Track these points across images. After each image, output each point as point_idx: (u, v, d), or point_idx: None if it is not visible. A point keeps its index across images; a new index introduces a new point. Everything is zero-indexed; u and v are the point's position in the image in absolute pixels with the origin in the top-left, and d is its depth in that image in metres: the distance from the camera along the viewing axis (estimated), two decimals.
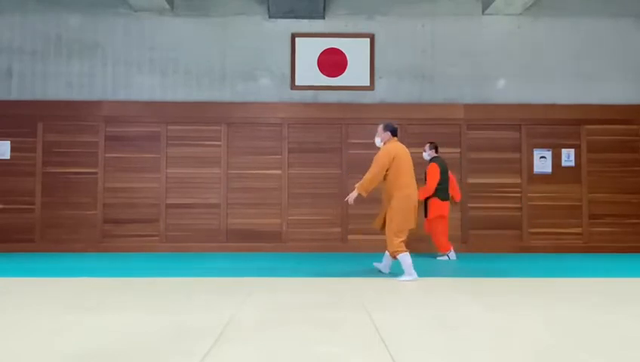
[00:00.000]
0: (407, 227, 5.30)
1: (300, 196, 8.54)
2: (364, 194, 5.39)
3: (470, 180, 8.59)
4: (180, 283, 4.99)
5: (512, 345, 2.79)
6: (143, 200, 8.51)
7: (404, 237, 5.27)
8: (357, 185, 5.40)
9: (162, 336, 2.90)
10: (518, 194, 8.64)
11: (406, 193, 5.29)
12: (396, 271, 5.45)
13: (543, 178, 8.67)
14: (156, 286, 4.90)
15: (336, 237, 8.54)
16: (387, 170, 5.32)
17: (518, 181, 8.65)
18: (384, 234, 5.44)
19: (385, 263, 5.67)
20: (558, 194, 8.63)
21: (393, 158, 5.31)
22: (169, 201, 8.52)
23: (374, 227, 5.64)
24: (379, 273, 5.73)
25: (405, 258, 5.19)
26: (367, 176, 5.36)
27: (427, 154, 7.52)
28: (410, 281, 5.11)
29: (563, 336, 2.96)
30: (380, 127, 5.59)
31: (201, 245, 8.44)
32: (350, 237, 8.53)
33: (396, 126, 5.62)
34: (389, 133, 5.52)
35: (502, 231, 8.56)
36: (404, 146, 5.49)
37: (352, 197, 5.48)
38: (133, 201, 8.50)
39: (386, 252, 5.57)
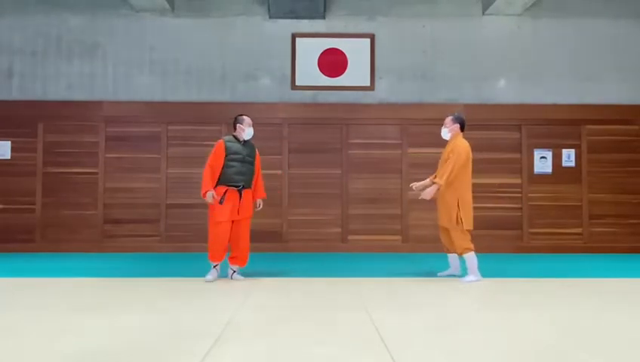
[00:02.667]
0: (472, 226, 5.25)
1: (300, 196, 8.54)
2: (443, 187, 5.16)
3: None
4: (180, 284, 4.99)
5: (512, 345, 2.79)
6: (143, 200, 8.51)
7: (470, 236, 5.24)
8: (437, 179, 5.18)
9: (162, 336, 2.90)
10: (519, 195, 8.64)
11: (470, 192, 5.25)
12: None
13: (543, 178, 8.66)
14: (156, 286, 4.90)
15: (337, 237, 8.54)
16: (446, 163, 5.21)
17: (519, 181, 8.65)
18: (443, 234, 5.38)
19: (454, 265, 5.49)
20: (559, 194, 8.63)
21: (468, 157, 5.23)
22: (169, 201, 8.53)
23: (442, 225, 5.35)
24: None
25: (473, 257, 5.16)
26: (451, 169, 5.11)
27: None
28: (475, 281, 5.09)
29: (563, 336, 2.97)
30: (450, 119, 5.39)
31: (202, 245, 8.38)
32: (350, 237, 8.53)
33: (465, 119, 5.43)
34: (458, 126, 5.36)
35: (502, 231, 8.56)
36: None
37: (430, 193, 5.21)
38: (134, 201, 8.51)
39: (450, 254, 5.48)
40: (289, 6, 8.41)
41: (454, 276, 5.45)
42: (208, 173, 5.19)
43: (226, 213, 5.13)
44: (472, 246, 5.17)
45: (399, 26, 8.81)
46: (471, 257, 5.16)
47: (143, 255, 7.97)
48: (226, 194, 5.16)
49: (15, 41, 8.66)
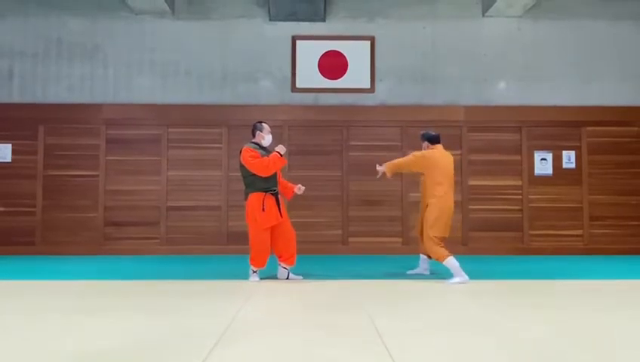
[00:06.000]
0: (444, 234, 5.32)
1: (301, 198, 8.48)
2: (388, 175, 5.62)
3: (471, 182, 8.59)
4: (181, 286, 4.99)
5: (512, 346, 2.79)
6: (143, 202, 8.52)
7: (442, 244, 5.29)
8: (388, 163, 5.60)
9: (163, 339, 2.90)
10: (519, 196, 8.63)
11: (442, 201, 5.31)
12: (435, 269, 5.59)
13: (543, 180, 8.66)
14: (157, 288, 4.90)
15: (337, 239, 8.54)
16: (424, 175, 5.46)
17: (519, 183, 8.65)
18: (422, 241, 5.57)
19: (422, 266, 5.78)
20: (559, 196, 8.63)
21: (425, 164, 5.41)
22: (170, 204, 8.53)
23: (418, 235, 5.71)
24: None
25: (452, 261, 5.20)
26: (400, 160, 5.65)
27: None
28: (461, 283, 5.10)
29: (563, 338, 2.96)
30: (421, 140, 5.68)
31: (202, 247, 8.43)
32: (351, 239, 8.53)
33: (434, 133, 5.58)
34: (427, 143, 5.57)
35: (502, 233, 8.56)
36: (448, 154, 5.50)
37: (380, 169, 5.63)
38: (134, 204, 8.51)
39: (421, 255, 5.75)
40: (289, 8, 8.42)
41: (422, 276, 5.67)
42: (264, 160, 5.33)
43: (271, 218, 5.29)
44: (446, 252, 5.22)
45: (399, 28, 8.82)
46: (451, 261, 5.20)
47: (143, 257, 7.97)
48: (265, 201, 5.29)
49: (16, 44, 8.67)
